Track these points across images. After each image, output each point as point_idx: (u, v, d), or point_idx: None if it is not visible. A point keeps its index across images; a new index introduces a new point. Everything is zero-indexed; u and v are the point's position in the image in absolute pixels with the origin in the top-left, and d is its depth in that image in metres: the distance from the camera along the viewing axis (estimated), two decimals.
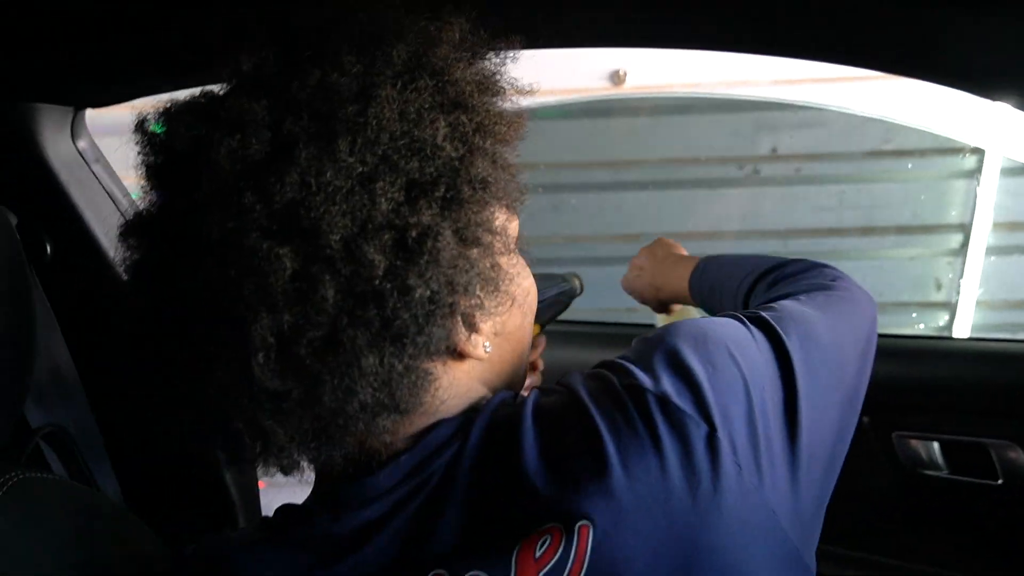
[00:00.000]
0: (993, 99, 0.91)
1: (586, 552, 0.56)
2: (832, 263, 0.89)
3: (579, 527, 0.57)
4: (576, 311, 1.26)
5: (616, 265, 3.20)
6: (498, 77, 0.66)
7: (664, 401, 0.60)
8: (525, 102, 0.71)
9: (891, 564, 1.40)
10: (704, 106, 3.08)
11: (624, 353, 0.68)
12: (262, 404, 0.56)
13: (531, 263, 0.75)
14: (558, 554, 0.57)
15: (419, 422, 0.64)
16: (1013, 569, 1.33)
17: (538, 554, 0.57)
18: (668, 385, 0.62)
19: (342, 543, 0.63)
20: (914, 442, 1.38)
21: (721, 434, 0.59)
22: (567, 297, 1.22)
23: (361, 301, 0.54)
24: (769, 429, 0.63)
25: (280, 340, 0.54)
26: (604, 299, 3.13)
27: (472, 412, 0.66)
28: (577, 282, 1.26)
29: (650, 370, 0.63)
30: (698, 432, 0.59)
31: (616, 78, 2.44)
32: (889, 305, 3.25)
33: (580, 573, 0.56)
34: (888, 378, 1.42)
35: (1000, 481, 1.32)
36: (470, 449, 0.62)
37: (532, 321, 0.76)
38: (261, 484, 1.51)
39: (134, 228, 0.62)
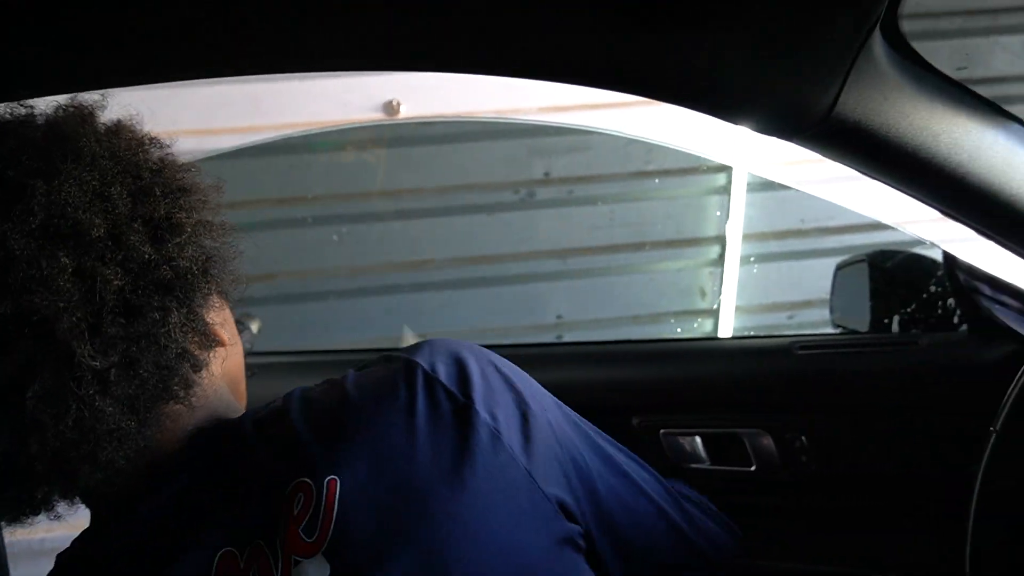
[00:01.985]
0: (734, 123, 0.95)
1: (334, 503, 0.63)
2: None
3: (327, 481, 0.64)
4: (362, 340, 1.26)
5: (402, 293, 3.24)
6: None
7: (431, 377, 0.70)
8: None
9: None
10: (478, 134, 3.18)
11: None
12: (90, 387, 0.62)
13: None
14: (311, 508, 0.63)
15: (198, 416, 0.73)
16: (768, 548, 1.46)
17: (295, 511, 0.63)
18: (441, 368, 0.71)
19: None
20: (679, 438, 1.48)
21: (479, 407, 0.68)
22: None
23: (139, 275, 0.65)
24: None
25: (88, 324, 0.62)
26: (397, 326, 3.15)
27: (236, 413, 0.77)
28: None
29: (430, 357, 0.73)
30: (452, 403, 0.69)
31: (390, 108, 2.47)
32: (661, 315, 3.47)
33: (331, 524, 0.62)
34: (655, 380, 1.53)
35: (754, 467, 1.45)
36: (246, 429, 0.72)
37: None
38: None
39: None
